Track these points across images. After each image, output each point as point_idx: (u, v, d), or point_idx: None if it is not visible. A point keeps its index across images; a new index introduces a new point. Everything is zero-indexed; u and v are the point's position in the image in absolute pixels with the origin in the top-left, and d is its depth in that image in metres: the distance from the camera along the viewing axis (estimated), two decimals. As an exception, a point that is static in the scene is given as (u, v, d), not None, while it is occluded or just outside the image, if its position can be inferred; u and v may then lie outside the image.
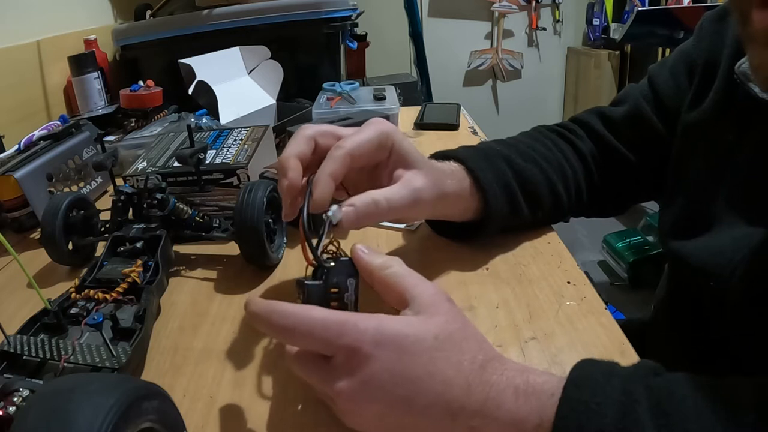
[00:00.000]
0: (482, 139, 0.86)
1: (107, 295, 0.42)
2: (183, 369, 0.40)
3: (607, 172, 0.56)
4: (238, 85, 0.96)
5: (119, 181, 0.54)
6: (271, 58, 0.98)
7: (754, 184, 0.42)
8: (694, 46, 0.52)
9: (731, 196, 0.44)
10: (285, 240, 0.54)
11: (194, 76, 0.86)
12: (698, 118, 0.49)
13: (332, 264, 0.34)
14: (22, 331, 0.38)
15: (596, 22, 2.94)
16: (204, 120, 0.86)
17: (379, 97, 0.89)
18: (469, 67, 3.15)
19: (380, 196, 0.39)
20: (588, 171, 0.56)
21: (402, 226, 0.57)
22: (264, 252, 0.48)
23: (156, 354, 0.41)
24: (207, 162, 0.59)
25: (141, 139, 0.81)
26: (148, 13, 1.16)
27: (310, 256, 0.34)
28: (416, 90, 2.09)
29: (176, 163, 0.57)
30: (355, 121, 0.67)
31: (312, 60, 1.14)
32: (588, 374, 0.29)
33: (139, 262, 0.46)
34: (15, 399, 0.30)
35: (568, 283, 0.46)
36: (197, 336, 0.43)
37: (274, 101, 0.97)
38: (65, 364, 0.34)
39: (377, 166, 0.43)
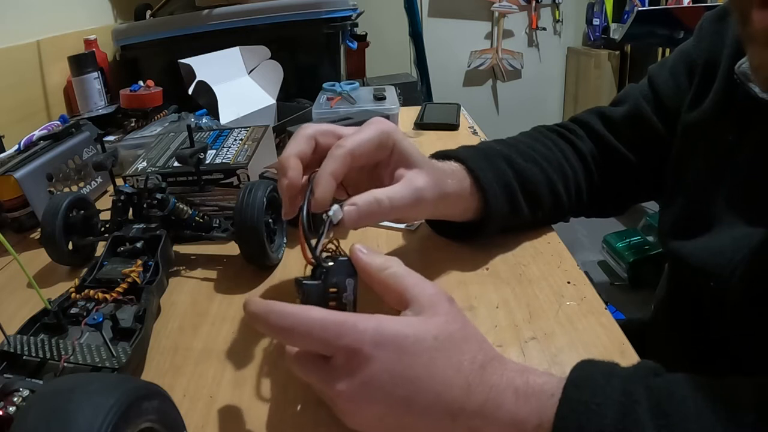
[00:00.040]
0: (482, 139, 0.86)
1: (107, 295, 0.42)
2: (183, 369, 0.40)
3: (607, 172, 0.56)
4: (238, 85, 0.96)
5: (119, 181, 0.54)
6: (271, 58, 0.98)
7: (754, 184, 0.42)
8: (694, 46, 0.52)
9: (731, 196, 0.44)
10: (285, 240, 0.54)
11: (194, 76, 0.86)
12: (698, 118, 0.49)
13: (331, 264, 0.34)
14: (22, 331, 0.38)
15: (596, 22, 2.94)
16: (204, 120, 0.86)
17: (379, 97, 0.89)
18: (469, 67, 3.15)
19: (382, 195, 0.39)
20: (588, 171, 0.56)
21: (402, 226, 0.57)
22: (264, 252, 0.48)
23: (156, 354, 0.41)
24: (207, 162, 0.59)
25: (141, 139, 0.81)
26: (148, 13, 1.16)
27: (309, 255, 0.34)
28: (416, 90, 2.09)
29: (176, 163, 0.57)
30: (356, 121, 0.67)
31: (312, 60, 1.14)
32: (588, 375, 0.29)
33: (139, 262, 0.46)
34: (15, 399, 0.30)
35: (568, 283, 0.46)
36: (197, 336, 0.43)
37: (274, 101, 0.97)
38: (65, 364, 0.34)
39: (377, 165, 0.43)
